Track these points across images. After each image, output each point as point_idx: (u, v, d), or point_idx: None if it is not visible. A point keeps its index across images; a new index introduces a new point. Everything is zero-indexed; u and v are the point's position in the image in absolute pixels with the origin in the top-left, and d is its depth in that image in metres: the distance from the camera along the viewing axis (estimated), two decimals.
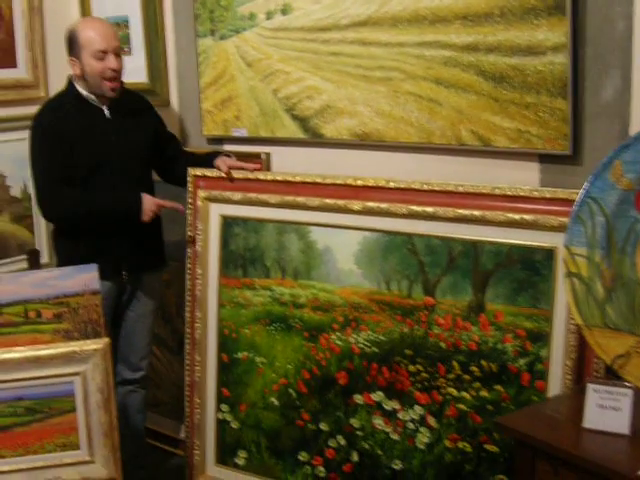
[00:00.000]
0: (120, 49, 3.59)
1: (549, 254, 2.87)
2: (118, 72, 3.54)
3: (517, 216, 2.91)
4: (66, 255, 3.68)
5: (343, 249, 3.39)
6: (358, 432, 3.37)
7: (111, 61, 3.50)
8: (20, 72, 4.32)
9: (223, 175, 3.68)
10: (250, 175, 3.64)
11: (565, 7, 2.75)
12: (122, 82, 3.61)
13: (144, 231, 3.66)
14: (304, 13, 3.47)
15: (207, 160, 3.78)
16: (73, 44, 3.55)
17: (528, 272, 2.93)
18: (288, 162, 3.71)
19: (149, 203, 3.59)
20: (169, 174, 3.91)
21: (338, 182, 3.37)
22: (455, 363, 3.10)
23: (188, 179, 3.79)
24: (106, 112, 3.61)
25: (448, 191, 3.07)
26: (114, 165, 3.59)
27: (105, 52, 3.50)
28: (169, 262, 3.96)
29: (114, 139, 3.60)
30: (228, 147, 3.94)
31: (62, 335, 3.25)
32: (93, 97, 3.59)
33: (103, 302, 3.32)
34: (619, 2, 2.70)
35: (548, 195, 2.85)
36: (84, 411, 3.23)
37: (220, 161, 3.71)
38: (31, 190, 4.27)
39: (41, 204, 3.65)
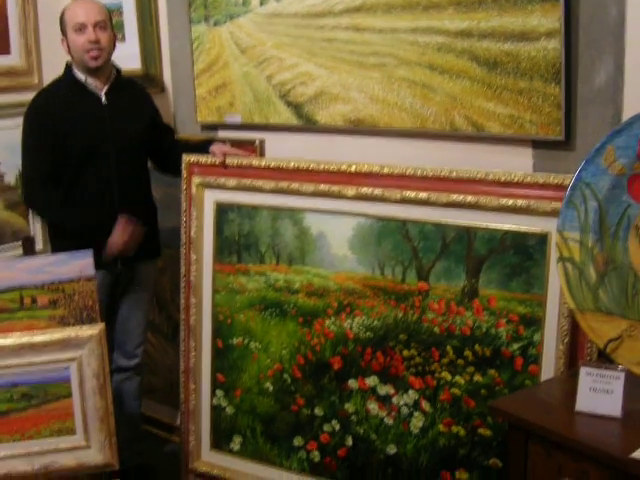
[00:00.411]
0: (104, 24, 3.57)
1: (542, 239, 2.88)
2: (97, 44, 3.54)
3: (510, 201, 2.92)
4: (61, 244, 3.68)
5: (337, 235, 3.40)
6: (352, 417, 3.39)
7: (89, 34, 3.52)
8: (13, 59, 4.31)
9: (218, 162, 3.68)
10: (244, 161, 3.64)
11: None
12: (106, 53, 3.59)
13: (139, 221, 3.66)
14: None
15: (202, 147, 3.78)
16: (61, 23, 3.62)
17: (521, 257, 2.94)
18: (282, 148, 3.71)
19: (116, 239, 3.60)
20: (164, 164, 3.91)
21: (332, 168, 3.38)
22: (449, 348, 3.12)
23: (182, 165, 3.79)
24: (102, 98, 3.62)
25: (442, 177, 3.08)
26: (109, 151, 3.60)
27: (84, 25, 3.52)
28: (164, 249, 3.96)
29: (109, 125, 3.61)
30: (222, 133, 3.94)
31: (57, 321, 3.26)
32: (90, 82, 3.60)
33: (98, 290, 3.33)
34: None
35: (541, 180, 2.86)
36: (80, 397, 3.24)
37: (215, 147, 3.71)
38: None
39: (25, 193, 3.76)
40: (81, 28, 3.52)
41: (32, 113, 3.63)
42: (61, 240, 3.70)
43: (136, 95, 3.81)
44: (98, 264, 3.34)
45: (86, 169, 3.59)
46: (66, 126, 3.55)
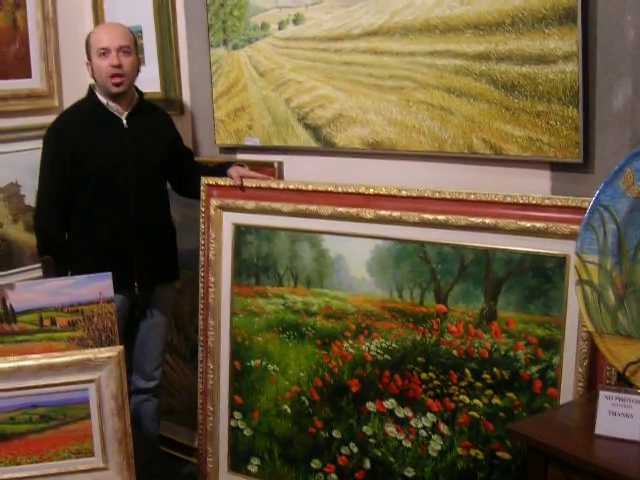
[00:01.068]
0: (128, 49, 3.60)
1: (561, 262, 2.88)
2: (120, 68, 3.56)
3: (529, 224, 2.92)
4: (78, 267, 3.65)
5: (355, 257, 3.40)
6: (370, 439, 3.38)
7: (112, 58, 3.54)
8: (34, 82, 4.35)
9: (236, 184, 3.70)
10: (262, 184, 3.65)
11: (576, 16, 2.76)
12: (128, 79, 3.61)
13: (157, 244, 3.68)
14: (316, 23, 3.49)
15: (221, 169, 3.79)
16: (86, 47, 3.65)
17: (540, 279, 2.94)
18: (300, 171, 3.73)
19: None
20: (184, 188, 3.93)
21: (350, 191, 3.39)
22: (467, 370, 3.11)
23: (201, 188, 3.80)
24: (124, 121, 3.64)
25: (460, 199, 3.08)
26: (129, 174, 3.62)
27: (108, 50, 3.55)
28: (182, 270, 3.97)
29: (129, 148, 3.62)
30: (241, 156, 3.96)
31: (76, 343, 3.27)
32: (112, 105, 3.62)
33: (116, 312, 3.34)
34: (630, 11, 2.71)
35: (559, 203, 2.86)
36: (98, 418, 3.25)
37: (233, 170, 3.72)
38: None
39: (35, 207, 3.85)
40: (105, 53, 3.55)
41: (52, 134, 3.66)
42: (81, 260, 3.70)
43: (158, 119, 3.84)
44: (117, 288, 3.35)
45: (104, 192, 3.60)
46: (86, 148, 3.57)
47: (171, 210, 3.90)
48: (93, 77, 3.64)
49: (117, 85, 3.56)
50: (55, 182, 3.63)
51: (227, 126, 3.94)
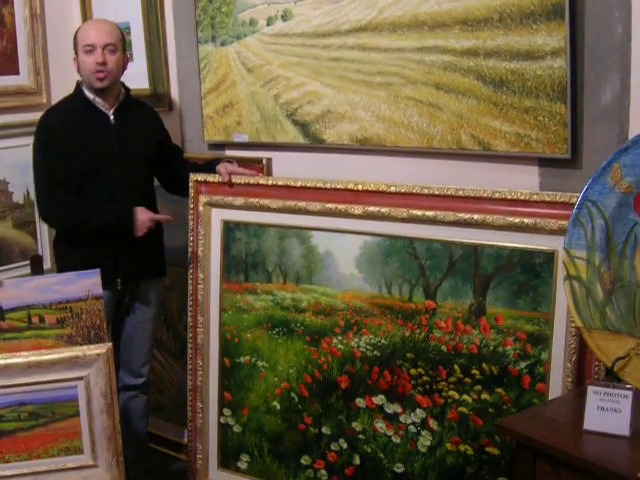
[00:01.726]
0: (114, 47, 3.58)
1: (549, 257, 2.88)
2: (104, 65, 3.54)
3: (517, 220, 2.93)
4: (63, 262, 3.72)
5: (344, 253, 3.40)
6: (360, 435, 3.39)
7: (97, 55, 3.53)
8: (22, 79, 4.33)
9: (224, 180, 3.69)
10: (251, 180, 3.65)
11: (564, 12, 2.77)
12: (113, 75, 3.59)
13: (142, 240, 3.66)
14: (304, 19, 3.49)
15: (209, 166, 3.79)
16: (74, 42, 3.64)
17: (528, 275, 2.94)
18: (289, 167, 3.72)
19: (143, 219, 3.60)
20: (172, 185, 3.92)
21: (339, 187, 3.38)
22: (456, 366, 3.11)
23: (190, 184, 3.80)
24: (111, 117, 3.63)
25: (448, 195, 3.09)
26: (115, 171, 3.60)
27: (94, 46, 3.54)
28: (171, 267, 3.97)
29: (116, 145, 3.61)
30: (229, 152, 3.96)
31: (65, 340, 3.26)
32: (99, 101, 3.62)
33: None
34: (617, 7, 2.71)
35: (548, 199, 2.86)
36: (87, 415, 3.24)
37: (221, 166, 3.71)
38: (34, 196, 4.29)
39: (39, 205, 3.73)
40: (91, 50, 3.54)
41: (42, 130, 3.64)
42: (66, 255, 3.71)
43: (145, 115, 3.82)
44: (102, 284, 3.35)
45: (89, 188, 3.59)
46: (73, 144, 3.56)
47: (159, 207, 3.89)
48: (79, 72, 3.63)
49: (101, 80, 3.55)
50: (51, 174, 3.59)
51: (216, 122, 3.93)
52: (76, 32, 3.66)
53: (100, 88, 3.58)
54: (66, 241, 3.73)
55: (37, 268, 3.72)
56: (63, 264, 3.70)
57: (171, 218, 3.72)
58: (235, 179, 3.68)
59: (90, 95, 3.62)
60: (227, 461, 3.83)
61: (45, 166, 3.61)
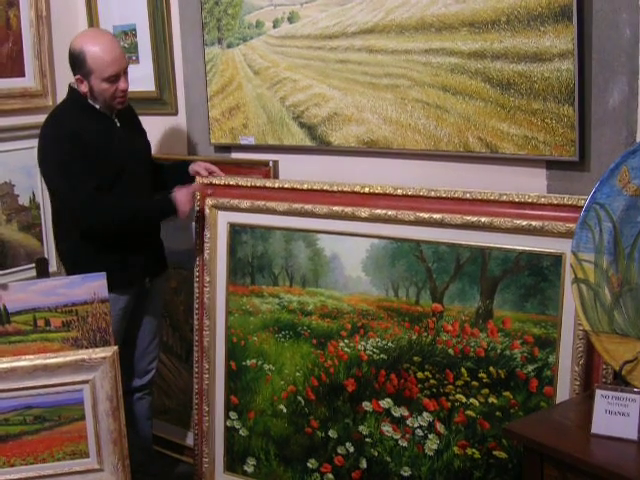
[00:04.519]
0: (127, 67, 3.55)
1: (557, 260, 2.87)
2: (127, 91, 3.54)
3: (524, 222, 2.91)
4: (81, 271, 3.46)
5: (351, 256, 3.39)
6: (367, 439, 3.37)
7: (121, 83, 3.48)
8: (28, 81, 4.33)
9: (207, 180, 3.74)
10: (258, 183, 3.64)
11: (571, 14, 2.76)
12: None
13: (146, 238, 3.65)
14: (311, 21, 3.49)
15: (180, 168, 3.83)
16: (81, 65, 3.47)
17: (536, 278, 2.93)
18: (296, 170, 3.72)
19: (182, 200, 3.58)
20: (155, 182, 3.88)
21: (345, 190, 3.38)
22: (463, 370, 3.10)
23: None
24: (116, 121, 3.61)
25: (455, 198, 3.08)
26: (130, 172, 3.57)
27: (117, 77, 3.47)
28: (177, 270, 3.97)
29: (129, 147, 3.59)
30: (235, 155, 3.96)
31: (71, 343, 3.26)
32: (102, 107, 3.59)
33: (122, 312, 3.33)
34: (625, 9, 2.70)
35: (555, 201, 2.85)
36: (93, 419, 3.24)
37: (197, 166, 3.73)
38: (39, 199, 4.30)
39: (80, 214, 3.50)
40: (114, 80, 3.46)
41: (63, 138, 3.47)
42: (89, 269, 3.47)
43: (134, 115, 3.81)
44: (126, 285, 3.38)
45: (117, 188, 3.54)
46: (98, 147, 3.48)
47: None
48: (89, 94, 3.52)
49: (122, 103, 3.56)
50: (89, 183, 3.45)
51: (222, 125, 3.93)
52: (83, 55, 3.45)
53: (120, 109, 3.58)
54: (89, 249, 3.58)
55: (43, 271, 3.72)
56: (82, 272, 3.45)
57: (208, 173, 3.75)
58: (241, 182, 3.67)
59: (90, 101, 3.55)
60: (233, 465, 3.82)
61: (78, 174, 3.44)
